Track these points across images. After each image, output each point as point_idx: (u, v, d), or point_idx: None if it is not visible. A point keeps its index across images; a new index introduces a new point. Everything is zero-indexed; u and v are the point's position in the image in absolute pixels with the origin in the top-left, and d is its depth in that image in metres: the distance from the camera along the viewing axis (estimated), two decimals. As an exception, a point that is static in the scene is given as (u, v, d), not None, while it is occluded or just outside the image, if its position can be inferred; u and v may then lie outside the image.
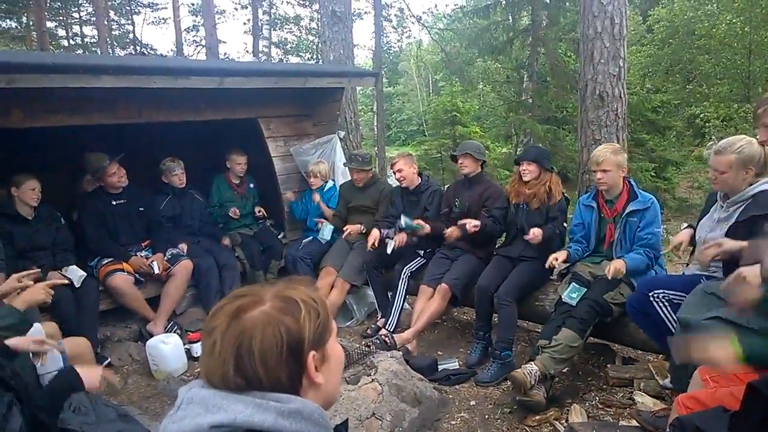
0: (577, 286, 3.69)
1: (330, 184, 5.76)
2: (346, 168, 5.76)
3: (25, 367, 2.40)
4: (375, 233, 4.87)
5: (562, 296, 3.70)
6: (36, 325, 3.23)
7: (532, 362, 3.42)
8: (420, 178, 5.03)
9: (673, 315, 3.14)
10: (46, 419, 2.14)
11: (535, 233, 4.01)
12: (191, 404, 1.01)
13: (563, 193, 4.27)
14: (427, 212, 4.91)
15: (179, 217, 5.30)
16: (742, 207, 3.01)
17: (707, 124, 14.51)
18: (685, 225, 3.64)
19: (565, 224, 4.23)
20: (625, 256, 3.63)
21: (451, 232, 4.48)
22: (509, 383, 3.70)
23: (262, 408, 0.97)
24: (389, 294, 4.88)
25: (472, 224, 4.30)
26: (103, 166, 4.71)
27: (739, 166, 2.95)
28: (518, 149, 15.48)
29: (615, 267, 3.50)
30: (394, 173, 5.00)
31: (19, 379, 2.18)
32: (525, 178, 4.25)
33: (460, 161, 4.68)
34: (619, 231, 3.74)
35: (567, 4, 14.34)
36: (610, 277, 3.53)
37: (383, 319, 4.78)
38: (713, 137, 3.28)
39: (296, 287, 1.11)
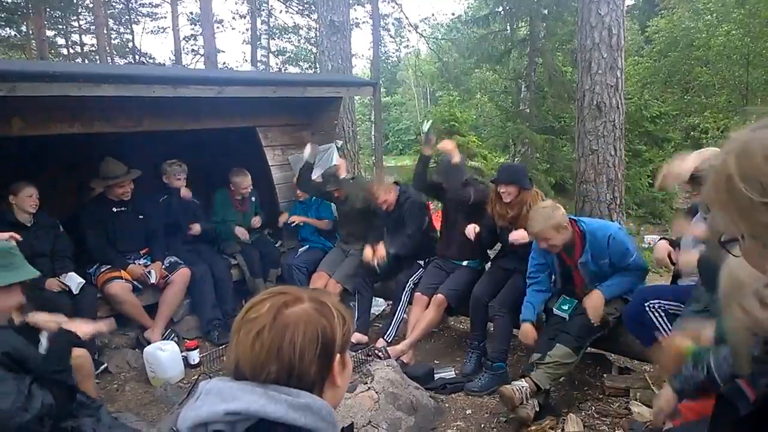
0: (568, 298, 3.69)
1: None
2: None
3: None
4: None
5: (554, 309, 3.71)
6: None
7: (523, 378, 3.42)
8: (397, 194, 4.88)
9: (669, 325, 3.15)
10: (60, 378, 2.27)
11: (519, 235, 3.96)
12: (209, 395, 1.08)
13: None
14: (404, 225, 4.81)
15: (175, 218, 5.27)
16: None
17: (705, 135, 14.58)
18: (658, 238, 3.62)
19: None
20: (600, 286, 3.54)
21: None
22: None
23: (275, 400, 1.04)
24: (389, 304, 4.88)
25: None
26: (118, 175, 4.72)
27: None
28: (516, 159, 15.52)
29: (593, 308, 3.47)
30: (380, 205, 4.85)
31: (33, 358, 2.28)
32: (506, 200, 4.09)
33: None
34: (588, 276, 3.64)
35: (565, 14, 14.42)
36: (596, 323, 3.48)
37: (358, 334, 4.68)
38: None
39: (326, 294, 1.22)
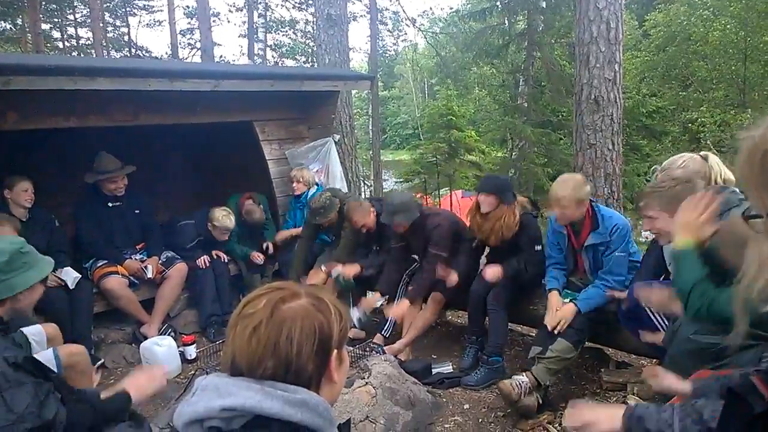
0: (570, 291, 3.69)
1: (313, 190, 5.57)
2: (341, 172, 5.76)
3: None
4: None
5: None
6: (36, 326, 3.23)
7: (523, 373, 3.42)
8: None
9: (664, 320, 3.15)
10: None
11: (491, 273, 3.95)
12: (205, 391, 1.08)
13: (532, 213, 4.12)
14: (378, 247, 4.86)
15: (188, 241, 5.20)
16: None
17: (703, 129, 14.60)
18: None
19: (537, 247, 4.02)
20: (579, 298, 3.58)
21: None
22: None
23: (271, 396, 1.03)
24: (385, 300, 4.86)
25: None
26: (111, 170, 4.70)
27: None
28: (513, 153, 15.51)
29: (561, 317, 3.50)
30: (360, 229, 4.76)
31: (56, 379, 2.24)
32: (482, 210, 4.00)
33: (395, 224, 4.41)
34: (588, 262, 3.68)
35: (563, 8, 14.40)
36: (551, 329, 3.49)
37: (355, 329, 4.64)
38: (656, 167, 3.26)
39: (322, 290, 1.23)
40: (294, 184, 5.51)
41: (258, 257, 5.45)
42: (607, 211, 3.70)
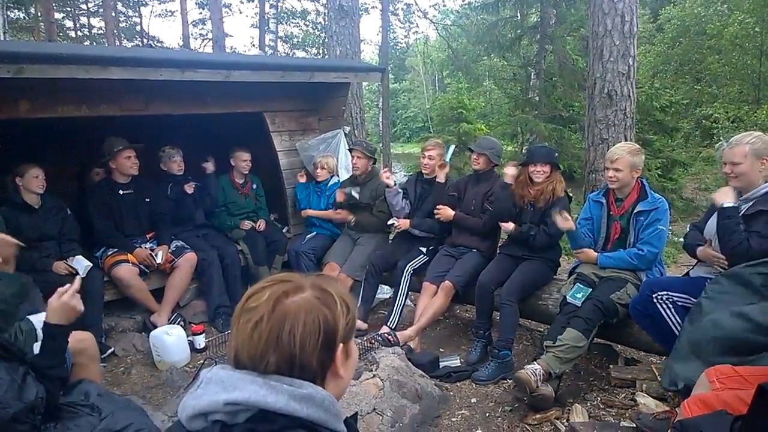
0: (582, 286, 3.67)
1: (335, 179, 5.74)
2: (350, 164, 5.76)
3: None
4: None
5: (567, 297, 3.68)
6: (43, 314, 3.25)
7: (535, 362, 3.41)
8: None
9: (676, 316, 3.12)
10: (52, 374, 2.25)
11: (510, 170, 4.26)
12: (210, 384, 1.06)
13: (566, 191, 4.21)
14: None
15: (181, 203, 5.29)
16: (752, 203, 3.01)
17: (716, 125, 14.44)
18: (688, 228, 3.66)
19: None
20: (603, 254, 3.78)
21: (444, 210, 4.67)
22: (511, 382, 3.71)
23: (276, 390, 1.02)
24: (392, 291, 4.88)
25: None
26: (120, 148, 4.71)
27: (754, 156, 2.97)
28: (524, 147, 15.41)
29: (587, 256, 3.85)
30: (423, 156, 4.97)
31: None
32: (537, 179, 4.14)
33: (474, 156, 4.67)
34: (632, 231, 3.71)
35: (576, 1, 14.24)
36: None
37: (361, 322, 4.71)
38: (722, 138, 3.30)
39: (329, 282, 1.18)
40: (318, 170, 5.61)
41: (246, 225, 5.60)
42: (651, 189, 3.82)
